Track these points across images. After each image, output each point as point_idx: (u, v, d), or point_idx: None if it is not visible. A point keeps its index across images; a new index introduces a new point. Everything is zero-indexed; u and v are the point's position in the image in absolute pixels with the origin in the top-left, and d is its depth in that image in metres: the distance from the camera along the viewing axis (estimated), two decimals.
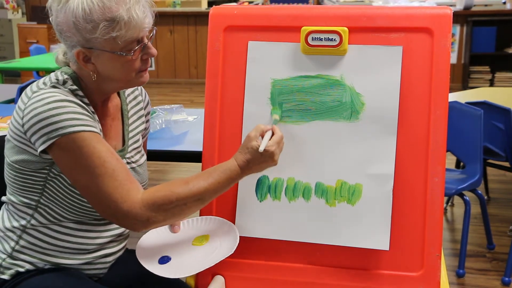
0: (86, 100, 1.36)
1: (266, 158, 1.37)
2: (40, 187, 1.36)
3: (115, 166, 1.28)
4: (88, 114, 1.32)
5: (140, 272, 1.41)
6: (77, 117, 1.28)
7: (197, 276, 1.54)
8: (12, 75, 7.38)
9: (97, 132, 1.30)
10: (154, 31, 1.38)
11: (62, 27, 1.30)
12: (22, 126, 1.29)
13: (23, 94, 1.33)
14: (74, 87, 1.35)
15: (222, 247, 1.42)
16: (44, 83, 1.34)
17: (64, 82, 1.34)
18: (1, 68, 5.07)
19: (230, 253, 1.39)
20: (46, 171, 1.34)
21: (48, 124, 1.25)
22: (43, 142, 1.26)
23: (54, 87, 1.32)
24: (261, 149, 1.35)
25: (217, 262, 1.37)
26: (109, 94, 1.44)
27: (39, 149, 1.28)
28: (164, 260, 1.42)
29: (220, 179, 1.34)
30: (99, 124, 1.39)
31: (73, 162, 1.27)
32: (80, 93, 1.36)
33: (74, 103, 1.30)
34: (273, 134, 1.40)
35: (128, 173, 1.31)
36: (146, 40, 1.35)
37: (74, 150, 1.26)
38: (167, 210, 1.29)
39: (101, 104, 1.42)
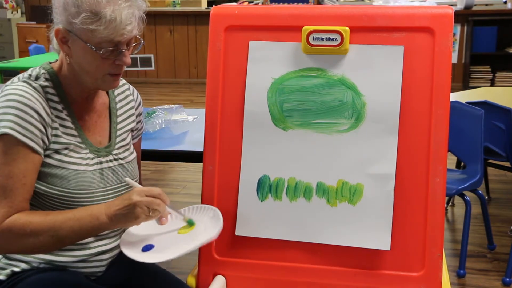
0: (56, 98, 1.38)
1: (128, 207, 1.30)
2: None
3: (1, 182, 1.28)
4: (43, 121, 1.33)
5: (139, 271, 1.41)
6: (18, 123, 1.29)
7: (198, 276, 1.54)
8: (11, 75, 7.36)
9: (25, 144, 1.30)
10: (141, 45, 1.40)
11: (54, 2, 1.35)
12: None
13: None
14: (46, 83, 1.37)
15: (206, 232, 1.41)
16: (18, 78, 1.38)
17: (37, 78, 1.37)
18: (1, 68, 5.07)
19: (213, 238, 1.37)
20: None
21: None
22: None
23: (25, 82, 1.36)
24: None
25: (199, 246, 1.37)
26: (87, 90, 1.44)
27: None
28: (147, 247, 1.41)
29: (79, 214, 1.32)
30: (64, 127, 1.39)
31: None
32: (51, 90, 1.38)
33: (30, 108, 1.31)
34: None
35: (10, 195, 1.29)
36: (123, 47, 1.35)
37: None
38: (19, 242, 1.28)
39: (85, 100, 1.44)
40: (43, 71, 1.39)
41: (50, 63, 1.44)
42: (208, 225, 1.44)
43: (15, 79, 1.39)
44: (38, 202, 1.37)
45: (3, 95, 1.32)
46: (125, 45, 1.36)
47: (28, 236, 1.28)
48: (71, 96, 1.41)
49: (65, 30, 1.33)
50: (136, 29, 1.35)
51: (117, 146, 1.50)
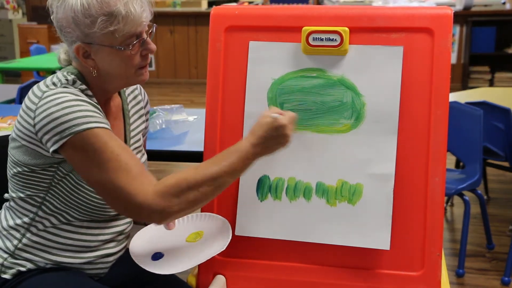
0: (94, 99, 1.37)
1: (277, 132, 1.34)
2: (46, 185, 1.36)
3: (128, 160, 1.28)
4: (99, 112, 1.33)
5: (141, 271, 1.41)
6: (89, 115, 1.28)
7: (198, 275, 1.55)
8: (12, 75, 7.38)
9: (108, 129, 1.31)
10: (154, 28, 1.40)
11: (61, 23, 1.32)
12: (34, 126, 1.29)
13: (30, 93, 1.33)
14: (84, 86, 1.36)
15: (214, 244, 1.43)
16: (54, 83, 1.34)
17: (74, 82, 1.35)
18: (2, 68, 5.08)
19: (222, 250, 1.39)
20: (53, 170, 1.35)
21: (61, 124, 1.26)
22: (56, 142, 1.27)
23: (65, 87, 1.33)
24: (272, 115, 1.34)
25: (208, 258, 1.38)
26: (111, 93, 1.44)
27: (51, 149, 1.28)
28: (157, 256, 1.42)
29: (232, 160, 1.31)
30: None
31: (87, 159, 1.27)
32: (89, 92, 1.37)
33: (86, 102, 1.31)
34: None
35: (141, 166, 1.31)
36: (145, 36, 1.36)
37: (87, 147, 1.26)
38: (180, 198, 1.27)
39: (103, 104, 1.43)
40: (73, 76, 1.36)
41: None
42: (216, 236, 1.45)
43: (43, 86, 1.33)
44: (60, 198, 1.37)
45: (49, 101, 1.28)
46: (145, 33, 1.36)
47: (187, 192, 1.27)
48: (97, 101, 1.40)
49: (85, 44, 1.31)
50: (149, 13, 1.36)
51: (131, 148, 1.50)
